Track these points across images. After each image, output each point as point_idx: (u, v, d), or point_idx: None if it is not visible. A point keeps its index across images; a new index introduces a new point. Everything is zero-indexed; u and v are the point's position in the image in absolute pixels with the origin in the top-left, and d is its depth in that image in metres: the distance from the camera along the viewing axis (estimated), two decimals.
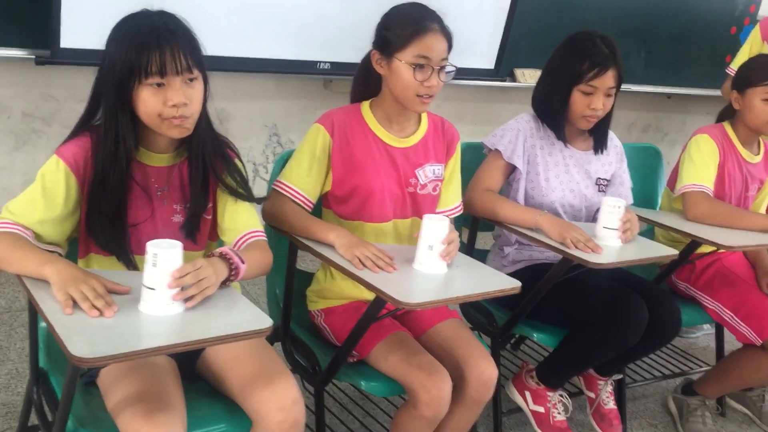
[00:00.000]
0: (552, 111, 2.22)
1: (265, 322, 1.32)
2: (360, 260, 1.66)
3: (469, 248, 2.34)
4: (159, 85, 1.45)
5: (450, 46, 1.86)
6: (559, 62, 2.20)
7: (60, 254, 1.53)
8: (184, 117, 1.49)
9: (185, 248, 1.61)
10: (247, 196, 1.67)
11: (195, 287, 1.34)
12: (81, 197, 1.53)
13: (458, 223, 2.17)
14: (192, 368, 1.67)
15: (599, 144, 2.32)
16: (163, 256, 1.30)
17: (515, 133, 2.22)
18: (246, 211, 1.67)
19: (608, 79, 2.12)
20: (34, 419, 1.69)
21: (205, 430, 1.52)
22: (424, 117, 2.01)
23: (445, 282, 1.64)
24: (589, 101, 2.15)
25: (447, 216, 2.03)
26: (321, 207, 1.98)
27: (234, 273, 1.47)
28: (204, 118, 1.59)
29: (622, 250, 1.99)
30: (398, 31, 1.82)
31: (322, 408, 1.92)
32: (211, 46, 2.88)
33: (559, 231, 2.01)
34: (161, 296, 1.31)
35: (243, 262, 1.49)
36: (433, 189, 2.00)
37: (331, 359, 1.81)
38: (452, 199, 2.06)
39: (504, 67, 3.99)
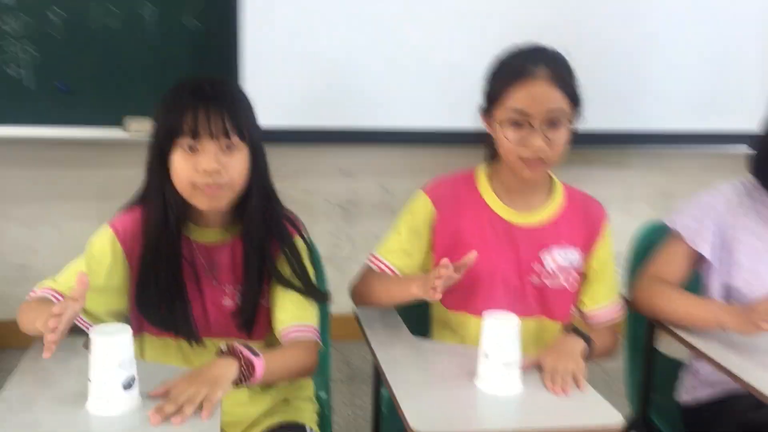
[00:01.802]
0: None
1: None
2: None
3: (647, 356, 1.77)
4: (192, 148, 1.33)
5: (572, 97, 1.46)
6: None
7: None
8: (217, 186, 1.34)
9: (239, 337, 1.44)
10: (300, 287, 1.44)
11: (171, 404, 1.13)
12: (128, 272, 1.44)
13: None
14: None
15: None
16: (98, 343, 1.13)
17: (704, 209, 1.65)
18: (295, 301, 1.45)
19: None
20: None
21: None
22: (560, 190, 1.59)
23: (498, 406, 1.20)
24: None
25: (594, 322, 1.58)
26: None
27: (247, 369, 1.24)
28: (257, 191, 1.42)
29: None
30: (494, 82, 1.50)
31: None
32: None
33: (742, 319, 1.43)
34: (104, 390, 1.13)
35: (258, 356, 1.26)
36: (567, 282, 1.55)
37: None
38: (601, 298, 1.59)
39: None
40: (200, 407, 1.13)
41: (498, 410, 1.21)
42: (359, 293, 1.61)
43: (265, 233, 1.43)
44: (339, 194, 3.19)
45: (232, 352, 1.25)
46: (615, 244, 3.50)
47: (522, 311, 1.52)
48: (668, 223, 1.70)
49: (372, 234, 3.02)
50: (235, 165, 1.36)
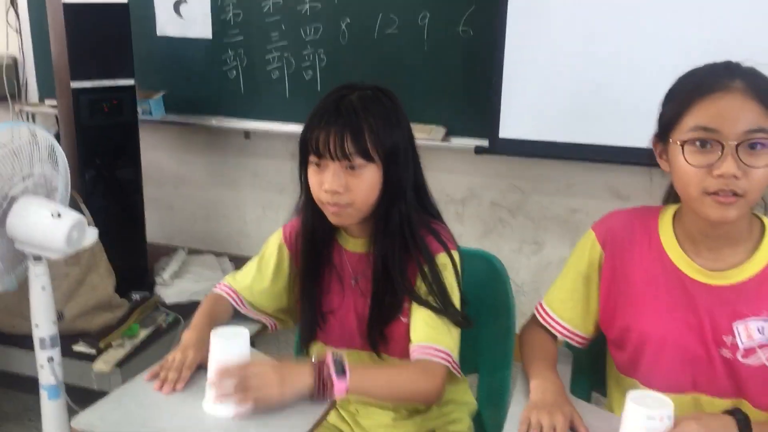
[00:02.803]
0: None
1: None
2: (529, 427, 1.14)
3: None
4: (319, 165, 1.33)
5: None
6: None
7: (268, 325, 1.55)
8: (339, 206, 1.32)
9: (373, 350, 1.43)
10: (434, 306, 1.34)
11: (237, 389, 1.15)
12: (293, 275, 1.50)
13: None
14: None
15: None
16: (215, 345, 1.17)
17: None
18: (428, 321, 1.34)
19: None
20: None
21: None
22: None
23: None
24: None
25: None
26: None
27: (322, 386, 1.20)
28: (396, 208, 1.35)
29: None
30: (673, 100, 1.21)
31: None
32: None
33: None
34: (210, 391, 1.18)
35: (344, 374, 1.21)
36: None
37: None
38: None
39: None
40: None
41: None
42: (520, 343, 1.44)
43: (398, 247, 1.36)
44: None
45: (316, 365, 1.21)
46: None
47: (712, 390, 1.25)
48: None
49: None
50: (359, 185, 1.31)
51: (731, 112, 1.11)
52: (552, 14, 2.53)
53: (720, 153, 1.12)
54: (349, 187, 1.31)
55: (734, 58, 1.22)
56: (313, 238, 1.43)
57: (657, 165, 2.49)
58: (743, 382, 1.23)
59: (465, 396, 1.55)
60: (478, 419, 1.58)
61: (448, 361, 1.32)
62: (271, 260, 1.50)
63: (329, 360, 1.22)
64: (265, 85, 3.09)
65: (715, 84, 1.14)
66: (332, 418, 1.51)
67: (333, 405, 1.23)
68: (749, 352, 1.21)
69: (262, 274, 1.51)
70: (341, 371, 1.21)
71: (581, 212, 2.95)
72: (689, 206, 1.21)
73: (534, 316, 1.45)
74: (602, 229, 1.35)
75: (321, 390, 1.19)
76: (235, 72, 3.12)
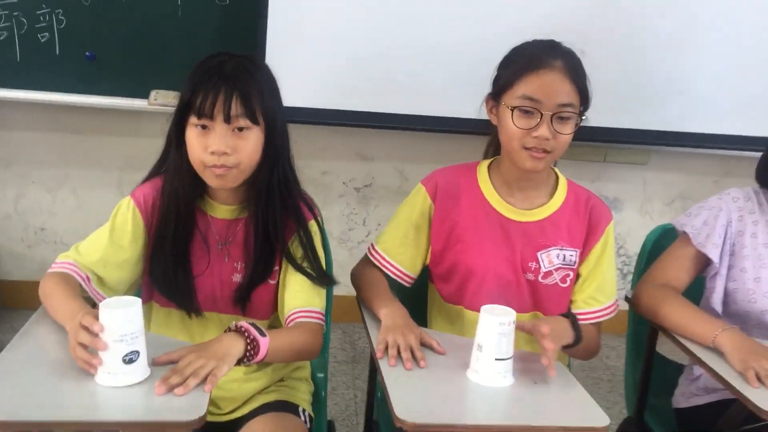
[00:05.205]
0: None
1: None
2: (388, 346, 1.33)
3: (647, 359, 1.76)
4: (204, 128, 1.35)
5: (582, 93, 1.45)
6: None
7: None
8: (226, 167, 1.35)
9: (240, 314, 1.48)
10: (309, 273, 1.45)
11: (177, 376, 1.14)
12: (147, 241, 1.47)
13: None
14: None
15: None
16: (106, 316, 1.14)
17: (714, 213, 1.63)
18: (304, 286, 1.46)
19: None
20: None
21: None
22: (563, 187, 1.58)
23: (487, 400, 1.21)
24: None
25: (586, 320, 1.57)
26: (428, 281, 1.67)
27: (252, 349, 1.25)
28: (272, 171, 1.42)
29: None
30: (508, 68, 1.49)
31: None
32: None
33: (742, 357, 1.39)
34: (106, 363, 1.14)
35: (264, 336, 1.28)
36: (561, 279, 1.55)
37: None
38: (594, 299, 1.59)
39: None
40: (204, 380, 1.14)
41: (486, 404, 1.22)
42: (355, 284, 1.63)
43: (278, 213, 1.44)
44: (356, 177, 3.20)
45: (239, 330, 1.27)
46: (630, 244, 3.43)
47: (517, 307, 1.53)
48: (677, 226, 1.69)
49: (386, 218, 3.02)
50: (245, 147, 1.36)
51: (551, 88, 1.41)
52: None
53: (539, 119, 1.41)
54: (237, 149, 1.34)
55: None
56: (177, 203, 1.42)
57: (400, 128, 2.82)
58: (540, 299, 1.56)
59: None
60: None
61: (322, 320, 1.45)
62: (125, 231, 1.44)
63: (247, 324, 1.27)
64: None
65: (542, 61, 1.43)
66: None
67: None
68: (547, 274, 1.55)
69: (117, 245, 1.44)
70: (263, 333, 1.27)
71: (331, 174, 3.19)
72: (510, 157, 1.50)
73: (366, 257, 1.64)
74: (431, 183, 1.59)
75: (250, 353, 1.24)
76: None
